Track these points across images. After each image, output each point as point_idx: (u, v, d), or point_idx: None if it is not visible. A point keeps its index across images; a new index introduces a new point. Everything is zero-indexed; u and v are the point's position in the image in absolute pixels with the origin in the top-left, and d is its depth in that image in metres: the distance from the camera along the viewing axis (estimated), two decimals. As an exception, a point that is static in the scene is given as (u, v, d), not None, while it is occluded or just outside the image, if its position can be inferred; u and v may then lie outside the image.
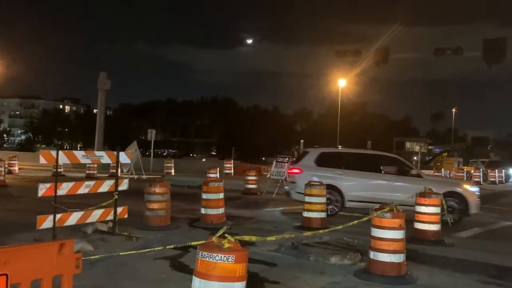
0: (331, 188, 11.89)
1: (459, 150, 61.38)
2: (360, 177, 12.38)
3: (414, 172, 12.68)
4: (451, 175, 29.36)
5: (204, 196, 10.26)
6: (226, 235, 3.86)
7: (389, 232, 6.42)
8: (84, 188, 8.32)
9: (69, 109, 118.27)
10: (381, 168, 12.81)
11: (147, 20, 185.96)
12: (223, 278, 3.68)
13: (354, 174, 12.44)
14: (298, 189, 12.10)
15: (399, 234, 6.46)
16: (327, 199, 11.12)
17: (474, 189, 12.17)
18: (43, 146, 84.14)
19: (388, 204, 6.57)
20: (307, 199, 10.52)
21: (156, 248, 7.10)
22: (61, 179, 9.44)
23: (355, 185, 12.30)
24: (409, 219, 7.98)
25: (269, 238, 5.68)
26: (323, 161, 12.85)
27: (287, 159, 18.17)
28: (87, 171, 23.10)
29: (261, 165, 31.64)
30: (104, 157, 8.87)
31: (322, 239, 8.62)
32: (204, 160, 42.35)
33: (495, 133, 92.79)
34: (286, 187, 13.86)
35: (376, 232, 6.49)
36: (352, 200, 12.21)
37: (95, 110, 60.37)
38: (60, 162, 8.06)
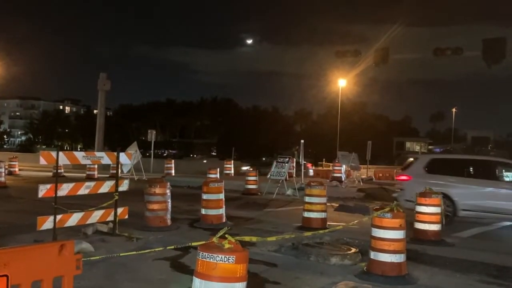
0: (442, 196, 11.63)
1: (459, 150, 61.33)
2: (475, 184, 11.68)
3: None
4: None
5: (204, 196, 10.27)
6: (226, 235, 3.87)
7: (390, 232, 6.42)
8: (85, 189, 8.33)
9: (69, 110, 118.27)
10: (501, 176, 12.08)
11: (147, 21, 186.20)
12: (223, 279, 3.68)
13: (468, 182, 11.74)
14: (407, 196, 11.60)
15: (399, 234, 6.47)
16: None
17: None
18: (43, 147, 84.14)
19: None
20: (307, 199, 10.53)
21: (156, 249, 7.09)
22: (61, 180, 9.46)
23: (469, 194, 11.62)
24: (409, 219, 7.98)
25: (269, 239, 5.68)
26: (434, 168, 12.27)
27: (287, 159, 18.20)
28: (87, 172, 23.11)
29: (261, 166, 31.61)
30: (104, 158, 8.88)
31: (322, 239, 8.64)
32: (205, 161, 42.27)
33: (495, 133, 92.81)
34: (394, 194, 13.15)
35: (377, 232, 6.50)
36: (466, 210, 11.55)
37: (95, 111, 60.36)
38: (60, 163, 8.07)
